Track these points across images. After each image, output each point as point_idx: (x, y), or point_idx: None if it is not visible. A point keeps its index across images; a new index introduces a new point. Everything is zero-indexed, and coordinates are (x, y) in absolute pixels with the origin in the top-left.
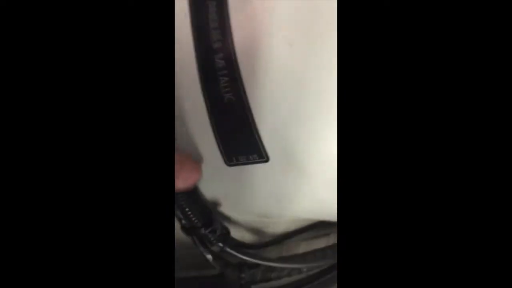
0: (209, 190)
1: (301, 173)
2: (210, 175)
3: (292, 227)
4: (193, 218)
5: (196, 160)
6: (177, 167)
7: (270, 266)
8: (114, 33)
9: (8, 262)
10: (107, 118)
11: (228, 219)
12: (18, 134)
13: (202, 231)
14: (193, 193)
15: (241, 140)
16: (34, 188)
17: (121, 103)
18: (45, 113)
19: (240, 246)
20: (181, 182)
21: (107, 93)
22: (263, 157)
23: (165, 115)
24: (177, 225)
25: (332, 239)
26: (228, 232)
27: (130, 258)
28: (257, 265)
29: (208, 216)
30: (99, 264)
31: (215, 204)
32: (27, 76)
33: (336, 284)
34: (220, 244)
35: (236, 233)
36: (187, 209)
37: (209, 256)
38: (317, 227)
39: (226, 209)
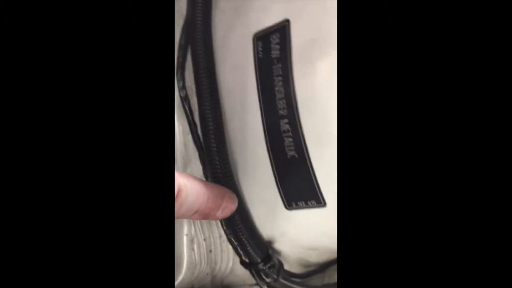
0: (267, 229)
1: None
2: (270, 217)
3: (333, 256)
4: (253, 254)
5: (232, 192)
6: (218, 199)
7: None
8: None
9: (8, 261)
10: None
11: (278, 253)
12: (19, 134)
13: (261, 266)
14: (253, 231)
15: (301, 188)
16: (44, 184)
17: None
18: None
19: (290, 275)
20: (221, 212)
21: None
22: (321, 203)
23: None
24: (236, 259)
25: None
26: (282, 265)
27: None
28: None
29: (265, 252)
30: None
31: (270, 242)
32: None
33: None
34: (275, 276)
35: (284, 264)
36: (248, 247)
37: (265, 287)
38: None
39: (279, 245)
